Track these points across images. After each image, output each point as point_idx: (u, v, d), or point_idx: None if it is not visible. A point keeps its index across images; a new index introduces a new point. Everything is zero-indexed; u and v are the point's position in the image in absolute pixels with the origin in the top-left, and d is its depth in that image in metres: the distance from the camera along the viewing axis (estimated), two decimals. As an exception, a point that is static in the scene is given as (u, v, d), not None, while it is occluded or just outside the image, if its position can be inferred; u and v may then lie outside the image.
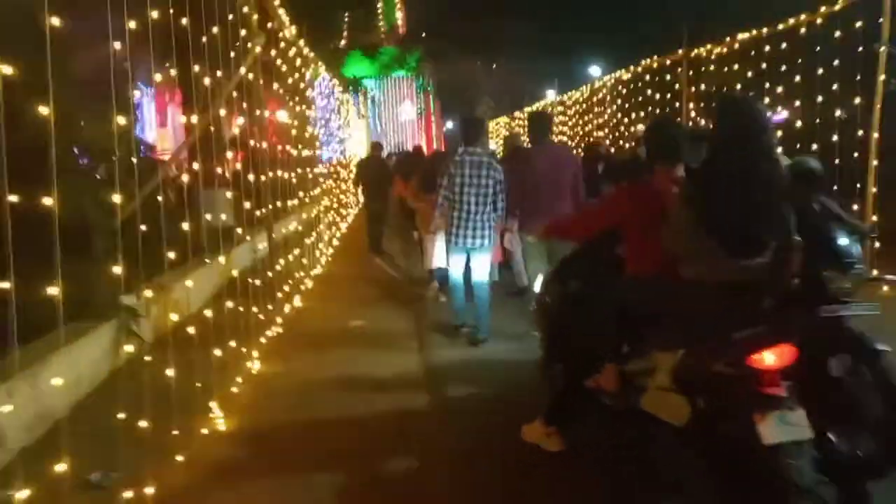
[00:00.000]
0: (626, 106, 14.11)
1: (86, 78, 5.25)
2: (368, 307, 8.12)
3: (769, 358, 2.76)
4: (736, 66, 10.35)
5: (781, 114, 10.41)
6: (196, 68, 5.32)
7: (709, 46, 10.77)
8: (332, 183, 14.55)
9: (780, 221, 3.00)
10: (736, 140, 3.02)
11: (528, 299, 6.09)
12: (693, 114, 11.47)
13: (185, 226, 4.75)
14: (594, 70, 22.77)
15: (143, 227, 4.15)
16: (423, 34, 38.62)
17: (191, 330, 4.97)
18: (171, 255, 4.47)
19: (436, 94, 42.81)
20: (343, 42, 26.16)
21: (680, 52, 11.54)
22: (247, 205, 6.54)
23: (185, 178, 6.42)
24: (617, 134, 14.72)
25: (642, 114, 12.98)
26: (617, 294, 3.51)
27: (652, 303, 3.30)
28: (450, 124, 51.70)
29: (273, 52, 8.04)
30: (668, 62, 12.02)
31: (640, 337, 3.43)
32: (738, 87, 9.96)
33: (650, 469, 3.57)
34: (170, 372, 4.28)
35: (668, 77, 12.12)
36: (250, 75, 6.48)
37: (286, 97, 9.07)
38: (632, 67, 13.65)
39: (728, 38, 10.09)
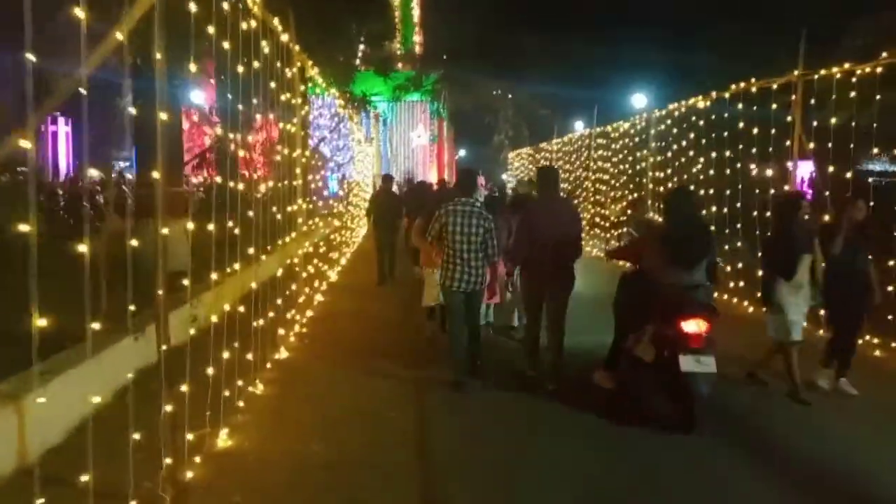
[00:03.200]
0: (704, 141, 11.37)
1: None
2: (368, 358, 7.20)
3: (691, 326, 5.23)
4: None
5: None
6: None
7: (836, 69, 8.10)
8: (337, 211, 12.49)
9: (709, 249, 5.68)
10: (681, 212, 5.80)
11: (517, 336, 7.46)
12: (810, 146, 8.71)
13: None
14: (638, 100, 20.01)
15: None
16: (443, 57, 36.27)
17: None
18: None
19: (450, 120, 40.78)
20: (357, 60, 23.75)
21: (795, 73, 8.85)
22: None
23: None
24: (683, 175, 12.02)
25: (728, 153, 10.27)
26: (632, 290, 6.09)
27: (642, 297, 5.71)
28: (462, 152, 49.51)
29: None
30: (773, 86, 9.32)
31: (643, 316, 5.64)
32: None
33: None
34: None
35: (772, 106, 9.40)
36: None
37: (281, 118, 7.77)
38: (713, 94, 10.95)
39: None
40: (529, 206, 6.73)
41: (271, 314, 6.70)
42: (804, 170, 13.45)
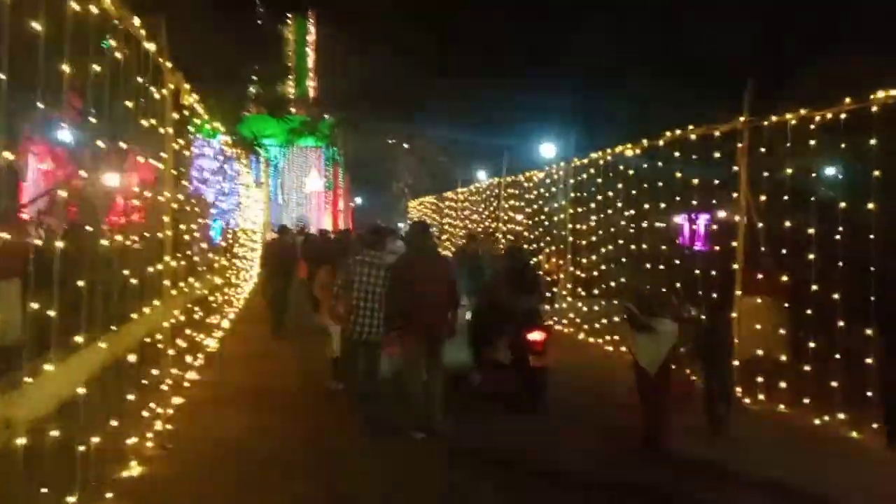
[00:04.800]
0: (632, 191, 10.53)
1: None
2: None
3: (535, 335, 7.22)
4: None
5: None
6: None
7: (790, 115, 7.36)
8: (219, 266, 10.77)
9: (537, 282, 8.44)
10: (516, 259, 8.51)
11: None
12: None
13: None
14: (547, 149, 19.37)
15: None
16: (339, 101, 35.02)
17: None
18: None
19: (346, 166, 39.37)
20: (250, 101, 22.03)
21: (741, 119, 8.07)
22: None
23: None
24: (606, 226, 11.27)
25: (662, 204, 9.42)
26: (485, 315, 7.97)
27: (495, 318, 7.66)
28: (359, 199, 47.86)
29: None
30: (715, 133, 8.50)
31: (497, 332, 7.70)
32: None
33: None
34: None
35: (715, 154, 8.59)
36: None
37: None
38: (643, 142, 10.13)
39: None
40: (397, 263, 6.96)
41: (112, 422, 4.79)
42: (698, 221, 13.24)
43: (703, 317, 7.11)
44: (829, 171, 11.28)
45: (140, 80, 5.38)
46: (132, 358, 5.28)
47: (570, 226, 13.24)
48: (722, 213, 11.85)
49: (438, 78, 33.40)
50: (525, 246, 11.71)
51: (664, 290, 7.10)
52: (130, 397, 5.19)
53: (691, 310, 6.91)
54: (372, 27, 31.62)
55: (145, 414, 5.79)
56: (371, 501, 5.08)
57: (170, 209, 6.62)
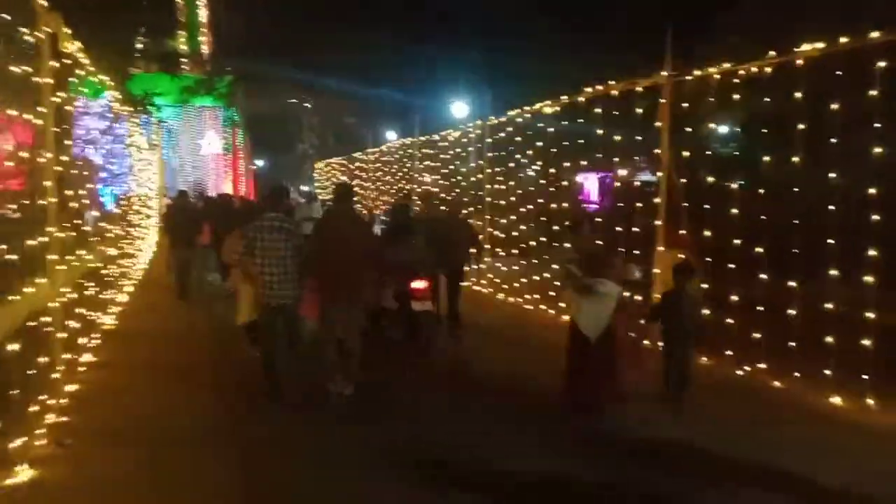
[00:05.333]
0: (551, 150, 10.38)
1: None
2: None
3: (417, 284, 7.98)
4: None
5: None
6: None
7: (714, 69, 7.31)
8: (114, 235, 9.88)
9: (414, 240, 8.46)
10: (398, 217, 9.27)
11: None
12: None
13: None
14: (458, 108, 18.95)
15: None
16: (236, 58, 33.12)
17: None
18: None
19: (246, 128, 37.53)
20: (137, 55, 20.27)
21: (664, 73, 7.96)
22: None
23: None
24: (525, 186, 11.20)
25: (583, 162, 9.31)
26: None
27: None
28: (261, 162, 45.89)
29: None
30: (638, 88, 8.37)
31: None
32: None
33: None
34: None
35: (637, 110, 8.48)
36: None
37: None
38: (563, 98, 9.93)
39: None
40: (318, 222, 7.15)
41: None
42: (592, 182, 13.49)
43: (645, 278, 6.85)
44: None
45: (6, 17, 4.53)
46: (13, 347, 4.54)
47: (487, 186, 12.99)
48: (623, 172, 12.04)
49: (344, 35, 32.12)
50: (442, 207, 11.39)
51: (606, 250, 6.78)
52: (14, 392, 4.48)
53: (635, 271, 6.61)
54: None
55: (35, 408, 5.07)
56: (284, 479, 4.65)
57: (53, 173, 5.79)
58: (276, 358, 6.35)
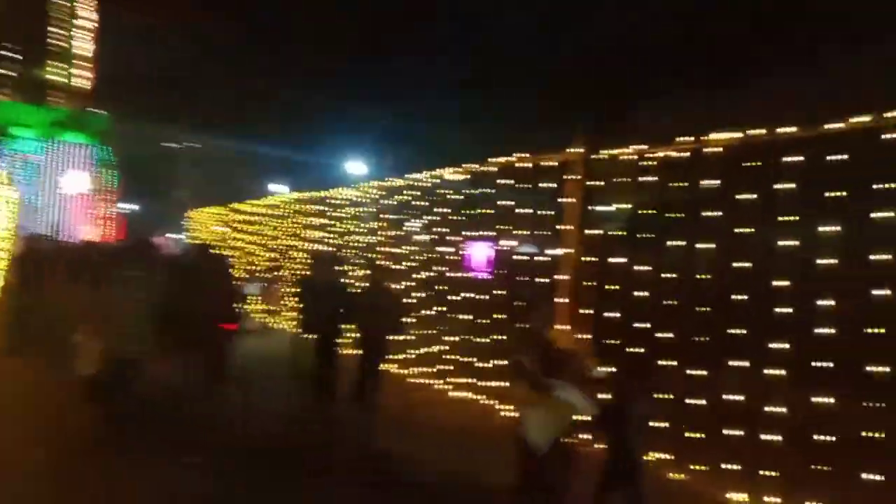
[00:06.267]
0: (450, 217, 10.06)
1: None
2: None
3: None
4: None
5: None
6: None
7: (633, 148, 7.30)
8: None
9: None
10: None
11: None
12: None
13: None
14: (355, 167, 18.47)
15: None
16: (116, 96, 31.30)
17: None
18: None
19: (119, 170, 35.09)
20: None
21: (580, 150, 7.85)
22: None
23: None
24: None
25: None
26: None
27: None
28: (131, 207, 42.86)
29: None
30: (553, 163, 8.21)
31: None
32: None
33: None
34: None
35: (543, 184, 8.31)
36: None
37: None
38: (472, 166, 9.67)
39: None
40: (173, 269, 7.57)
41: None
42: (479, 250, 13.47)
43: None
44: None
45: None
46: None
47: (384, 249, 12.41)
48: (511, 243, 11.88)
49: (238, 78, 31.15)
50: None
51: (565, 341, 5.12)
52: None
53: (598, 369, 5.03)
54: (166, 15, 28.70)
55: None
56: None
57: None
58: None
